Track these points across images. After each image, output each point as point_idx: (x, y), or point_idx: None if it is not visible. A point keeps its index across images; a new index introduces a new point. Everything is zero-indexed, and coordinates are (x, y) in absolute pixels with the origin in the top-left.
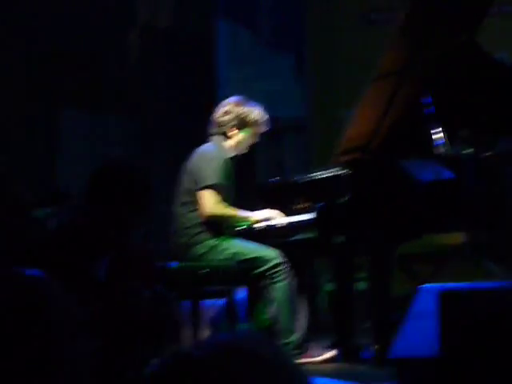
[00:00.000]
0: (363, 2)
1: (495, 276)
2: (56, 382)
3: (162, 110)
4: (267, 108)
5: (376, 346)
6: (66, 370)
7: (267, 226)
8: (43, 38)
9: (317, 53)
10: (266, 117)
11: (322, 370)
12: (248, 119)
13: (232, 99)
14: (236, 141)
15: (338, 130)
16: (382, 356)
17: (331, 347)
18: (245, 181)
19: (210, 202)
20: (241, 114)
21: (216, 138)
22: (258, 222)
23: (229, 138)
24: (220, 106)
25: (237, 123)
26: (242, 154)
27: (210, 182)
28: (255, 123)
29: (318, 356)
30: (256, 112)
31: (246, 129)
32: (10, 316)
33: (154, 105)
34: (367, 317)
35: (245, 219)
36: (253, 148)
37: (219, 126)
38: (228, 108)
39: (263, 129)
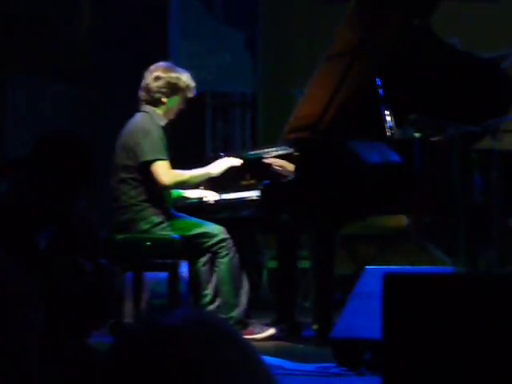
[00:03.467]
0: None
1: (439, 260)
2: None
3: (112, 78)
4: (217, 82)
5: (316, 326)
6: (14, 341)
7: (213, 201)
8: None
9: (269, 29)
10: (194, 83)
11: (261, 347)
12: (179, 85)
13: (160, 64)
14: (167, 107)
15: (287, 108)
16: (323, 336)
17: (272, 325)
18: (193, 154)
19: (162, 173)
20: (171, 80)
21: (147, 107)
22: (216, 174)
23: (159, 104)
24: (149, 71)
25: (168, 89)
26: (191, 128)
27: (153, 157)
28: (185, 89)
29: (259, 333)
30: (185, 77)
31: (177, 95)
32: None
33: (103, 73)
34: (309, 295)
35: (203, 176)
36: (201, 121)
37: (151, 93)
38: (158, 74)
39: (191, 95)
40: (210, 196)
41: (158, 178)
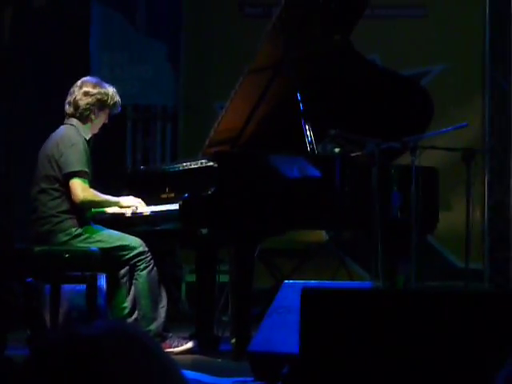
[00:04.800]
0: None
1: (357, 275)
2: None
3: (33, 91)
4: (139, 95)
5: (234, 339)
6: None
7: (132, 214)
8: None
9: (191, 42)
10: (119, 98)
11: (179, 360)
12: (107, 102)
13: (88, 80)
14: (93, 123)
15: (209, 121)
16: (240, 349)
17: (189, 338)
18: (113, 167)
19: (80, 189)
20: (101, 98)
21: (73, 120)
22: (125, 207)
23: (87, 121)
24: (76, 86)
25: (97, 107)
26: (112, 140)
27: (76, 168)
28: (112, 106)
29: (176, 346)
30: (112, 93)
31: (103, 111)
32: None
33: (24, 86)
34: (227, 309)
35: (113, 204)
36: (122, 134)
37: (80, 109)
38: (88, 89)
39: (117, 111)
40: (142, 207)
41: (74, 192)
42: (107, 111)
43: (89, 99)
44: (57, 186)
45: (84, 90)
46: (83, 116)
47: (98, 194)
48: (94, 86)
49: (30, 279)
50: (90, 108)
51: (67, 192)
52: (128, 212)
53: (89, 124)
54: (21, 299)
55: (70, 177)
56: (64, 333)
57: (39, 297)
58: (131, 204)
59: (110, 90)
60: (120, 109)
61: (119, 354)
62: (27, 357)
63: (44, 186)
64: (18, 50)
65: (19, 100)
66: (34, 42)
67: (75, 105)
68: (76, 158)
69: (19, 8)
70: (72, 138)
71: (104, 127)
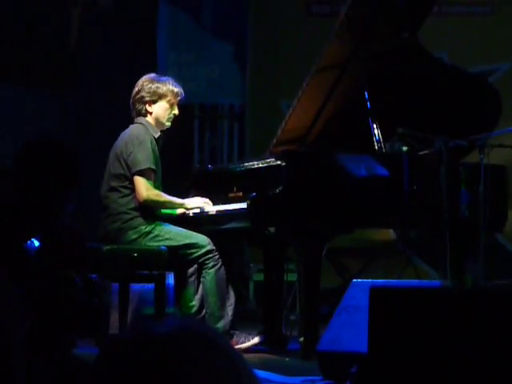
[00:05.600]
0: None
1: (425, 274)
2: None
3: (101, 92)
4: (206, 94)
5: (302, 339)
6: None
7: (200, 213)
8: None
9: (258, 41)
10: (179, 88)
11: (247, 359)
12: (159, 91)
13: (144, 77)
14: (154, 116)
15: (275, 120)
16: (309, 348)
17: (258, 336)
18: (180, 166)
19: (143, 188)
20: (151, 89)
21: (141, 119)
22: (190, 209)
23: (147, 114)
24: (134, 87)
25: (149, 98)
26: (179, 139)
27: (143, 167)
28: (168, 94)
29: (243, 342)
30: (167, 84)
31: (160, 101)
32: None
33: (91, 83)
34: (295, 308)
35: (178, 205)
36: (189, 134)
37: (136, 104)
38: (139, 87)
39: (175, 99)
40: (209, 206)
41: (138, 191)
42: (164, 101)
43: (140, 94)
44: (126, 183)
45: (136, 88)
46: (140, 111)
47: (163, 194)
48: (146, 81)
49: (93, 276)
50: (142, 101)
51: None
52: (196, 211)
53: (150, 117)
54: (82, 295)
55: (135, 175)
56: (135, 331)
57: (102, 294)
58: (197, 205)
59: (165, 81)
60: (184, 98)
61: (188, 350)
62: (97, 356)
63: (114, 184)
64: (85, 50)
65: (87, 100)
66: (101, 42)
67: (132, 102)
68: (143, 157)
69: (86, 9)
70: (140, 137)
71: (174, 124)
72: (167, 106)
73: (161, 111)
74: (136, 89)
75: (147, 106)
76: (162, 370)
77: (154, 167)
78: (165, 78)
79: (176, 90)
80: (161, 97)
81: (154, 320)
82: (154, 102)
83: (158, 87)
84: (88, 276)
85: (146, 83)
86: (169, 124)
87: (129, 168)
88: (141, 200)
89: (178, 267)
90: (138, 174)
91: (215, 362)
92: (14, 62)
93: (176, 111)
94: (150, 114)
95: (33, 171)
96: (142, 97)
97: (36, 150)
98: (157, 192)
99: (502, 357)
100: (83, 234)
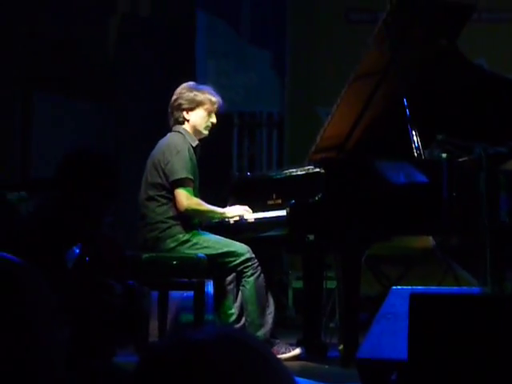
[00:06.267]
0: (344, 0)
1: (465, 281)
2: (31, 369)
3: (139, 100)
4: (244, 102)
5: (342, 346)
6: (41, 356)
7: (239, 220)
8: (22, 21)
9: (296, 49)
10: (218, 97)
11: (287, 366)
12: (197, 99)
13: (183, 85)
14: (191, 124)
15: (314, 128)
16: (348, 356)
17: (297, 344)
18: (219, 174)
19: (184, 198)
20: (188, 97)
21: (179, 127)
22: (231, 217)
23: (184, 122)
24: (173, 95)
25: (187, 105)
26: (218, 147)
27: (181, 176)
28: (206, 102)
29: (284, 353)
30: (206, 92)
31: (197, 109)
32: None
33: (130, 93)
34: (335, 316)
35: (219, 215)
36: (228, 141)
37: (174, 112)
38: (177, 95)
39: (214, 107)
40: (249, 214)
41: (179, 201)
42: (202, 109)
43: (177, 102)
44: (164, 193)
45: (174, 97)
46: (177, 119)
47: (203, 203)
48: (184, 89)
49: (131, 282)
50: (180, 108)
51: (174, 199)
52: (249, 217)
53: (188, 125)
54: (120, 300)
55: (175, 185)
56: (173, 338)
57: (142, 300)
58: (237, 214)
59: (203, 89)
60: (222, 107)
61: (229, 358)
62: (137, 364)
63: (151, 193)
64: (123, 58)
65: (125, 108)
66: (140, 50)
67: (171, 110)
68: (181, 166)
69: (125, 17)
70: (178, 146)
71: (213, 132)
72: (205, 113)
73: (198, 119)
74: (174, 97)
75: (185, 113)
76: (201, 377)
77: (191, 176)
78: (203, 87)
79: (214, 98)
80: (198, 104)
81: (193, 327)
82: (192, 109)
83: (196, 95)
84: (127, 283)
85: (184, 91)
86: (206, 133)
87: (166, 177)
88: (182, 210)
89: (217, 275)
90: (176, 184)
91: (256, 369)
92: (53, 73)
93: (214, 120)
94: (188, 121)
95: (73, 183)
96: (180, 104)
97: (76, 162)
98: (198, 201)
99: None
100: (122, 242)
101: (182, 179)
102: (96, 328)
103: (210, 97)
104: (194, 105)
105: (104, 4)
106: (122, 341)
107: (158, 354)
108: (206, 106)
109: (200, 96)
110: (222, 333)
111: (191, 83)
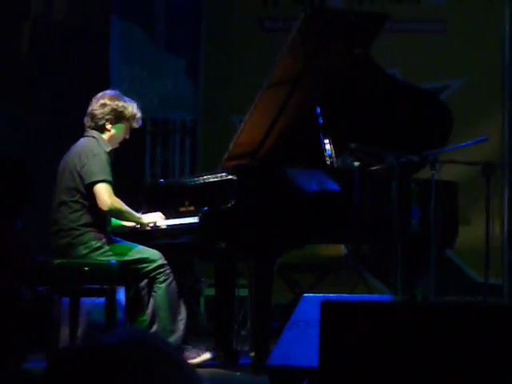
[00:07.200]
0: (258, 9)
1: (376, 289)
2: None
3: (52, 105)
4: (158, 109)
5: (252, 353)
6: None
7: (152, 227)
8: None
9: (210, 56)
10: (140, 113)
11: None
12: (124, 113)
13: (107, 93)
14: (110, 135)
15: (227, 135)
16: (260, 363)
17: (209, 351)
18: (132, 180)
19: (107, 195)
20: (117, 108)
21: (93, 132)
22: (146, 224)
23: (104, 131)
24: (95, 98)
25: (113, 117)
26: (131, 154)
27: (101, 177)
28: (130, 118)
29: (194, 358)
30: (131, 107)
31: (121, 123)
32: None
33: (42, 98)
34: (246, 323)
35: (136, 219)
36: (141, 148)
37: (96, 119)
38: (104, 101)
39: (137, 125)
40: (161, 220)
41: (101, 198)
42: (125, 124)
43: (104, 109)
44: (77, 197)
45: (101, 101)
46: (99, 125)
47: (123, 204)
48: (112, 98)
49: (41, 288)
50: (105, 117)
51: (89, 204)
52: (161, 224)
53: (107, 134)
54: (30, 306)
55: (94, 184)
56: (84, 343)
57: (51, 306)
58: (152, 221)
59: (130, 103)
60: (141, 124)
61: (140, 362)
62: (46, 367)
63: (65, 198)
64: (36, 63)
65: (38, 114)
66: (53, 55)
67: (92, 115)
68: (99, 168)
69: (38, 22)
70: (94, 149)
71: (124, 142)
72: (127, 129)
73: (120, 132)
74: (98, 103)
75: (108, 123)
76: (111, 380)
77: (110, 178)
78: (129, 100)
79: (138, 115)
80: (123, 119)
81: (104, 332)
82: (116, 122)
83: (124, 109)
84: (36, 289)
85: (110, 101)
86: (118, 145)
87: (82, 180)
88: (105, 208)
89: (129, 282)
90: (96, 183)
91: (167, 373)
92: None
93: (128, 136)
94: (108, 131)
95: None
96: (105, 113)
97: None
98: (119, 200)
99: (451, 372)
100: (32, 247)
101: (101, 180)
102: (5, 334)
103: (136, 114)
104: (119, 119)
105: (16, 8)
106: (30, 346)
107: (67, 357)
108: (129, 122)
109: (127, 111)
110: (133, 336)
111: (117, 93)
